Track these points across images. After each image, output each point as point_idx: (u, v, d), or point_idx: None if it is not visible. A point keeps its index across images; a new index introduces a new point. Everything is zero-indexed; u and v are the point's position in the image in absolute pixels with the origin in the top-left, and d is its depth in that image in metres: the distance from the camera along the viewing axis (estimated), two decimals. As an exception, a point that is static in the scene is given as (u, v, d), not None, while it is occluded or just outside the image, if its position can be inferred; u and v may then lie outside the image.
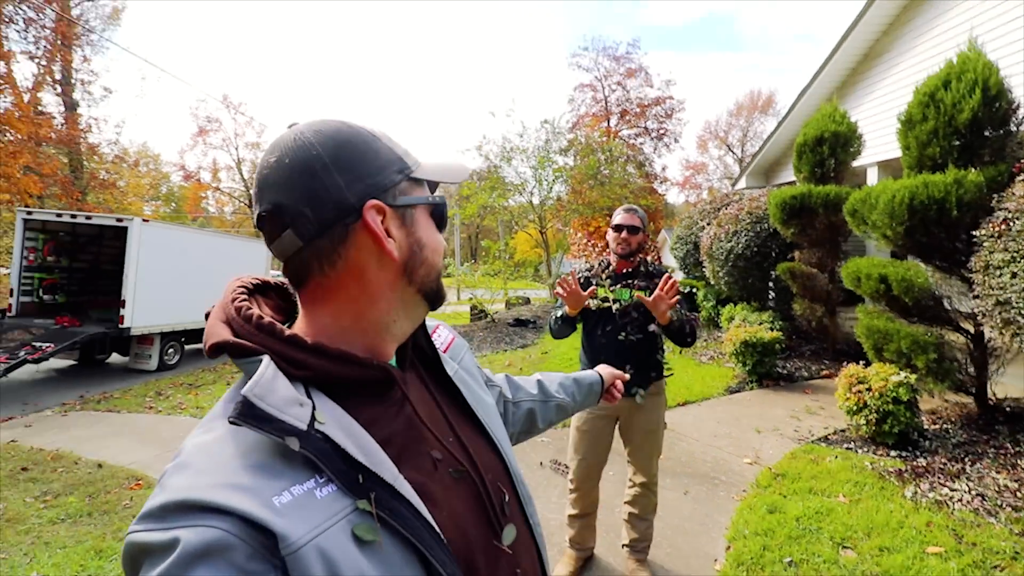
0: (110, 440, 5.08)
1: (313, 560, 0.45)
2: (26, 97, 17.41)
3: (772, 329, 6.07)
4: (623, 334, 2.42)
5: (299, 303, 0.63)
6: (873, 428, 4.16)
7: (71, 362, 9.05)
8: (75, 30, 17.47)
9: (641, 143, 24.98)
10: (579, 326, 2.59)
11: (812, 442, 4.37)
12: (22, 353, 6.90)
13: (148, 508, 0.46)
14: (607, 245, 2.80)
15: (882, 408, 4.07)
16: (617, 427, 2.57)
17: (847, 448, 4.21)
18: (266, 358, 0.53)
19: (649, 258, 2.67)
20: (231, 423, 0.48)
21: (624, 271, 2.54)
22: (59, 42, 16.48)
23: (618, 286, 2.49)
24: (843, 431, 4.54)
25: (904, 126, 4.40)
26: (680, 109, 26.17)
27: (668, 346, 2.34)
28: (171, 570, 0.42)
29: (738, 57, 75.69)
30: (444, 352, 0.77)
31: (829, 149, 6.07)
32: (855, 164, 6.50)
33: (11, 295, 8.42)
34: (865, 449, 4.17)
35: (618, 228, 2.49)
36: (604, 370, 1.31)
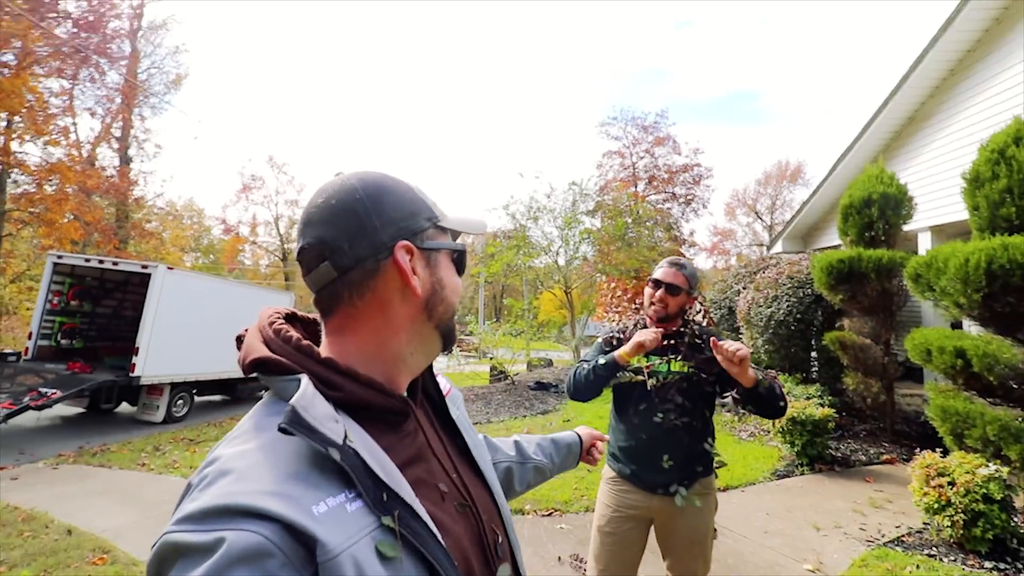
0: (91, 500, 4.70)
1: (348, 568, 0.48)
2: (85, 149, 18.68)
3: (822, 405, 5.41)
4: (660, 415, 1.94)
5: (324, 332, 0.66)
6: (960, 531, 3.46)
7: (79, 410, 8.84)
8: (138, 92, 18.90)
9: (668, 207, 25.00)
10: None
11: (884, 544, 3.65)
12: (26, 399, 6.70)
13: (188, 512, 0.47)
14: (612, 306, 2.38)
15: (970, 507, 3.40)
16: (653, 531, 2.05)
17: (929, 555, 3.49)
18: (305, 377, 0.57)
19: (700, 319, 2.17)
20: (281, 430, 0.50)
21: (665, 338, 2.05)
22: (121, 102, 17.75)
23: (657, 358, 2.02)
24: (920, 532, 3.81)
25: (971, 185, 3.99)
26: (708, 176, 26.35)
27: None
28: (213, 570, 0.43)
29: (763, 130, 77.34)
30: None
31: (878, 211, 5.65)
32: (905, 228, 6.04)
33: (29, 338, 8.40)
34: (952, 557, 3.45)
35: (656, 284, 2.04)
36: (583, 431, 1.29)
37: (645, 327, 2.11)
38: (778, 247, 9.65)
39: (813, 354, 6.73)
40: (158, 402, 8.44)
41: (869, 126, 7.30)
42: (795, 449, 5.22)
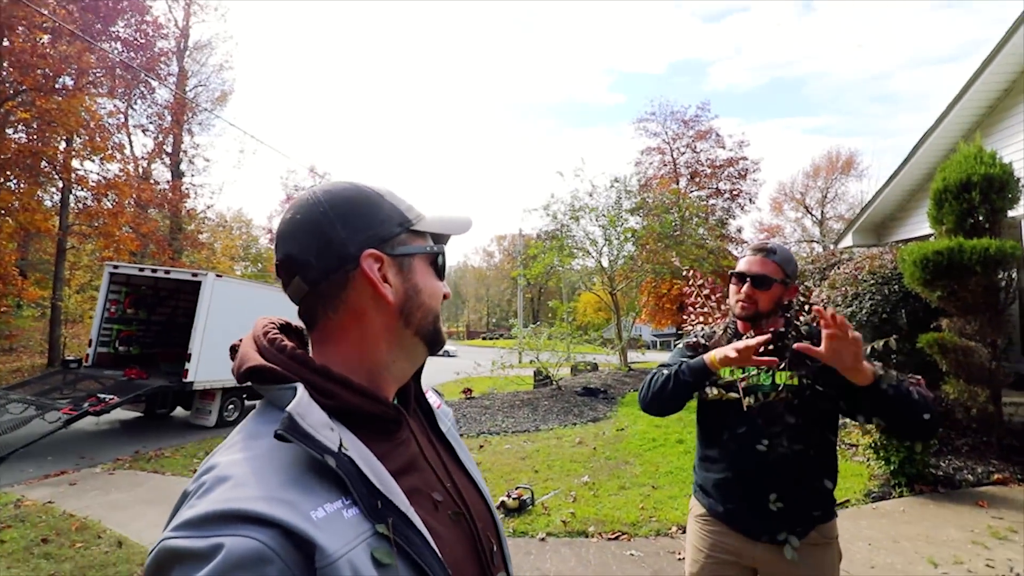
0: (143, 509, 4.66)
1: (346, 573, 0.48)
2: (142, 164, 19.58)
3: (921, 417, 4.79)
4: (765, 442, 1.53)
5: (310, 343, 0.67)
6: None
7: (137, 414, 9.08)
8: (187, 110, 19.67)
9: (713, 204, 24.00)
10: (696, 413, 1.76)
11: (1020, 587, 3.09)
12: (86, 404, 6.84)
13: (186, 518, 0.47)
14: (695, 305, 1.98)
15: None
16: None
17: (1080, 602, 2.91)
18: (300, 385, 0.57)
19: (801, 318, 1.70)
20: (277, 436, 0.51)
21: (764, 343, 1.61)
22: (172, 119, 18.50)
23: (756, 369, 1.60)
24: (1063, 572, 3.21)
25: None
26: (755, 169, 25.18)
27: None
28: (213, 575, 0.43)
29: (808, 121, 73.87)
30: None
31: (980, 195, 4.98)
32: (1010, 214, 5.32)
33: (89, 345, 8.66)
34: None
35: (739, 278, 1.63)
36: None
37: (736, 333, 1.71)
38: (848, 240, 8.88)
39: (894, 357, 6.04)
40: (210, 407, 8.57)
41: (957, 102, 6.55)
42: (890, 467, 4.62)
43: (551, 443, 6.74)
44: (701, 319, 2.02)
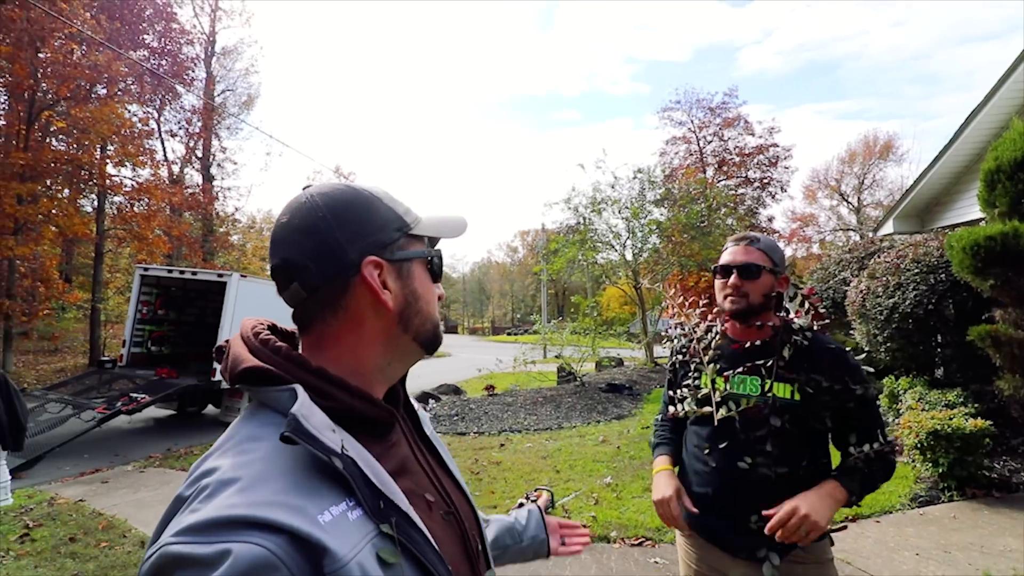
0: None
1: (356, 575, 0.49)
2: (175, 169, 20.16)
3: (973, 415, 4.44)
4: (748, 460, 1.39)
5: (301, 345, 0.67)
6: None
7: (170, 412, 9.33)
8: (215, 115, 20.13)
9: (742, 193, 23.24)
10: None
11: (1091, 605, 2.79)
12: (119, 404, 7.03)
13: (189, 523, 0.46)
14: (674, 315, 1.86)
15: None
16: None
17: None
18: (299, 386, 0.56)
19: (800, 318, 1.53)
20: (284, 438, 0.50)
21: (748, 344, 1.49)
22: (200, 124, 18.97)
23: (736, 371, 1.47)
24: None
25: None
26: (786, 156, 24.24)
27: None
28: None
29: (842, 105, 71.04)
30: None
31: (1037, 175, 4.57)
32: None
33: (123, 346, 8.92)
34: None
35: (724, 271, 1.49)
36: (544, 505, 1.19)
37: (725, 337, 1.56)
38: (888, 227, 8.39)
39: (939, 350, 5.65)
40: (239, 404, 8.71)
41: (1009, 75, 6.06)
42: (939, 469, 4.30)
43: (573, 441, 6.58)
44: (685, 318, 1.85)
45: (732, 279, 1.46)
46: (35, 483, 5.35)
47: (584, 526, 1.13)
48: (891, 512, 4.00)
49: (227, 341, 0.65)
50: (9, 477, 4.67)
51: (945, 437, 4.22)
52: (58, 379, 11.46)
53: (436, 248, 0.72)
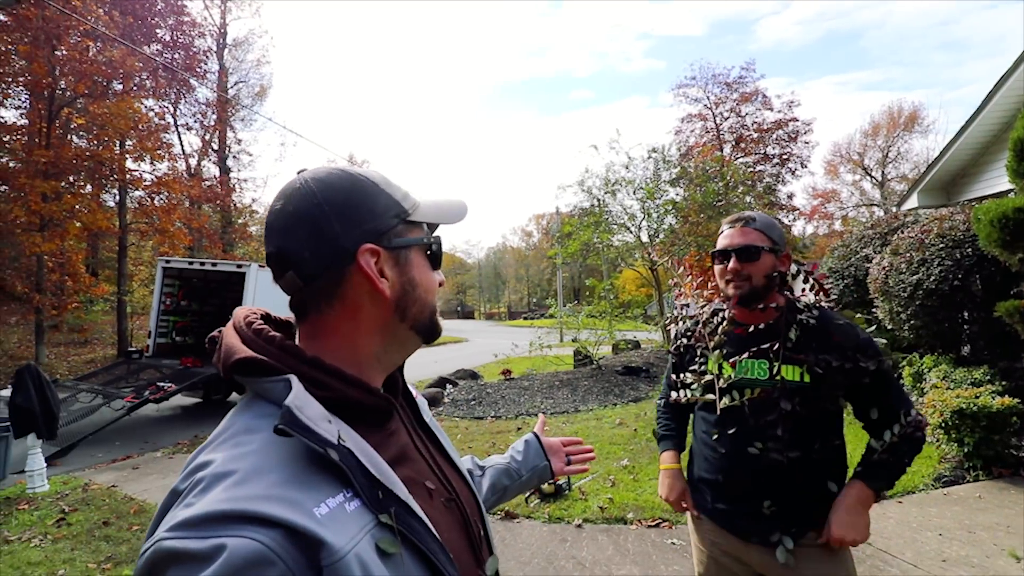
0: (196, 492, 4.88)
1: (355, 568, 0.48)
2: (192, 162, 20.43)
3: (1001, 394, 4.32)
4: (759, 445, 1.36)
5: (298, 334, 0.66)
6: None
7: (196, 400, 9.60)
8: (228, 107, 20.27)
9: (760, 170, 22.69)
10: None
11: (1122, 584, 2.73)
12: (147, 393, 7.26)
13: (184, 518, 0.45)
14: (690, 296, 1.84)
15: None
16: None
17: None
18: (294, 377, 0.55)
19: (805, 296, 1.54)
20: (278, 431, 0.50)
21: (752, 328, 1.45)
22: (215, 117, 19.13)
23: (743, 356, 1.43)
24: None
25: None
26: (806, 131, 23.54)
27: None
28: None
29: (865, 75, 68.48)
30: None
31: (1072, 142, 4.36)
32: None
33: (149, 336, 9.18)
34: None
35: (722, 255, 1.45)
36: (539, 430, 1.14)
37: (732, 321, 1.52)
38: (912, 202, 8.12)
39: (966, 327, 5.48)
40: (261, 392, 8.93)
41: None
42: (964, 449, 4.21)
43: (590, 424, 6.60)
44: (684, 310, 1.83)
45: (731, 263, 1.42)
46: (70, 470, 5.57)
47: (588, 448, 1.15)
48: (914, 492, 3.94)
49: (219, 331, 0.64)
50: (45, 464, 4.86)
51: (971, 416, 4.12)
52: (88, 370, 11.87)
53: (435, 234, 0.71)
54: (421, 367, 12.66)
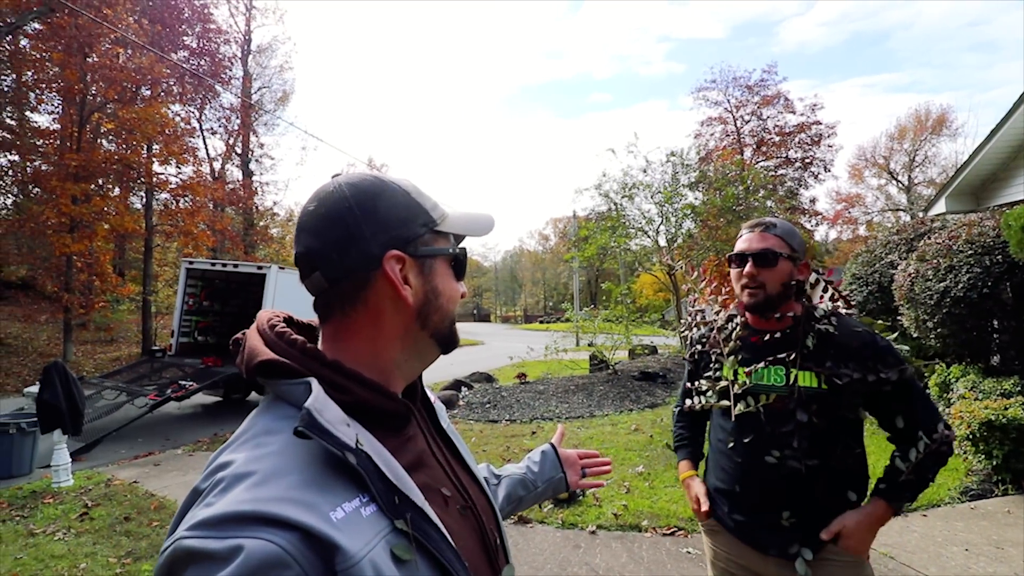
0: (214, 490, 4.97)
1: (369, 574, 0.48)
2: (216, 166, 20.91)
3: (1032, 405, 4.16)
4: (776, 454, 1.33)
5: (320, 337, 0.66)
6: None
7: (217, 398, 9.77)
8: (252, 112, 20.72)
9: (782, 174, 22.35)
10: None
11: None
12: (169, 391, 7.42)
13: (203, 517, 0.46)
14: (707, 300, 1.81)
15: None
16: None
17: None
18: (314, 380, 0.56)
19: (823, 303, 1.51)
20: (298, 433, 0.50)
21: (768, 336, 1.42)
22: (239, 122, 19.57)
23: (760, 365, 1.40)
24: None
25: None
26: (830, 134, 23.14)
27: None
28: None
29: (892, 78, 67.02)
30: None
31: (1110, 145, 4.20)
32: None
33: (172, 336, 9.39)
34: None
35: (739, 259, 1.43)
36: (557, 440, 1.14)
37: (746, 327, 1.49)
38: (940, 207, 7.90)
39: (996, 337, 5.30)
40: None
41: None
42: (992, 462, 4.07)
43: (605, 430, 6.55)
44: (699, 316, 1.80)
45: (748, 267, 1.40)
46: (93, 465, 5.72)
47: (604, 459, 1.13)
48: (939, 505, 3.81)
49: (243, 333, 0.65)
50: (70, 460, 5.00)
51: (1000, 428, 3.98)
52: (113, 367, 12.19)
53: (461, 246, 0.72)
54: (437, 369, 12.70)
